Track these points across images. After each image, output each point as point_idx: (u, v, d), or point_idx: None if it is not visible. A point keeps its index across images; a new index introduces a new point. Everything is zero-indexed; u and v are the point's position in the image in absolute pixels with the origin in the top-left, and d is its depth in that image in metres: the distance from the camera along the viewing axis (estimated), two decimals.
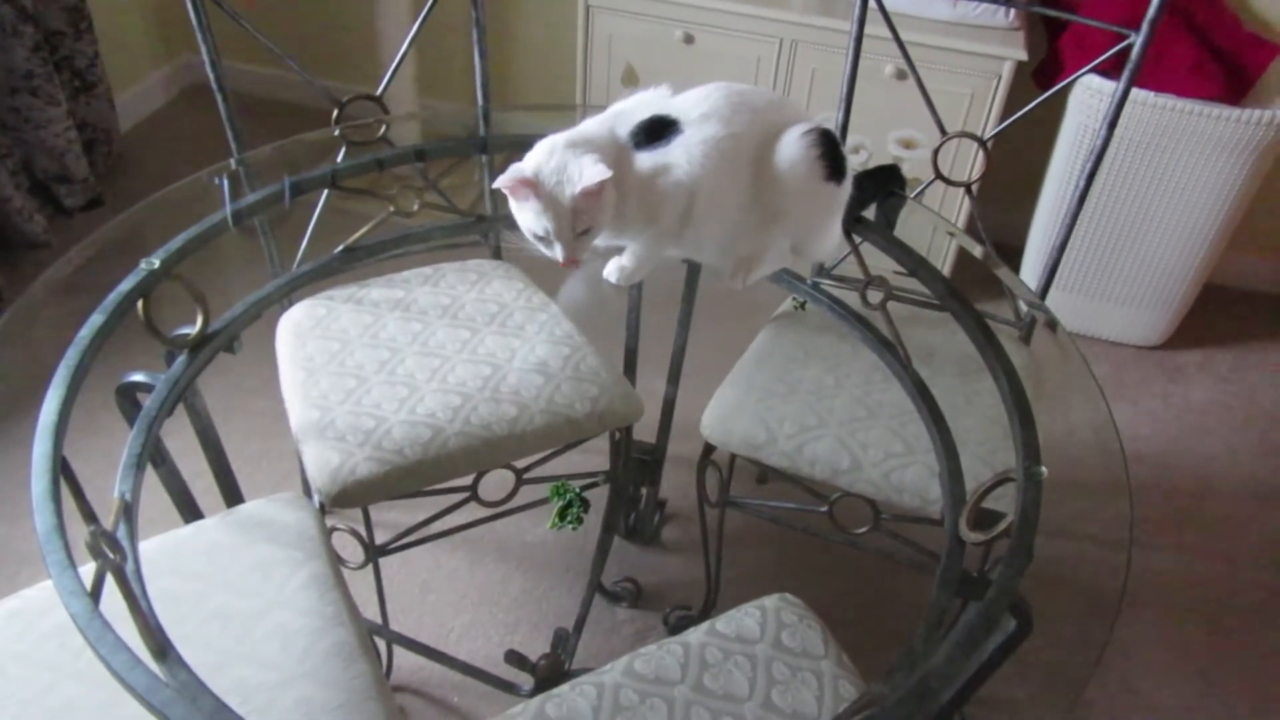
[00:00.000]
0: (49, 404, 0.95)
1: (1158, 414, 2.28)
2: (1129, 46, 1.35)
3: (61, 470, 0.91)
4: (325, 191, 1.43)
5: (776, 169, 1.10)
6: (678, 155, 1.05)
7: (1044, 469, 1.00)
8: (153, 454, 1.12)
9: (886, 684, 0.87)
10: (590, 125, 1.07)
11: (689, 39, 2.21)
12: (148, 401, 1.09)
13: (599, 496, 1.60)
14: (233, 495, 1.41)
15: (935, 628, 0.93)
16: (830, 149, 1.12)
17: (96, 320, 1.04)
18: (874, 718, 0.82)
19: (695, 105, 1.08)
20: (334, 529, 1.30)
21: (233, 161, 1.40)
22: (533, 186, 1.00)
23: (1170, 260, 2.26)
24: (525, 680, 1.54)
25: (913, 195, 1.42)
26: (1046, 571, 1.00)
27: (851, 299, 1.34)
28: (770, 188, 1.11)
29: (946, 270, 2.30)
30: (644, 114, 1.08)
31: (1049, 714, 1.08)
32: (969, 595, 0.97)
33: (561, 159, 1.00)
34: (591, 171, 0.98)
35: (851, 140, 2.21)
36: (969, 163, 2.15)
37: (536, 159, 1.02)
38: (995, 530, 0.96)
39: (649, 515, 1.87)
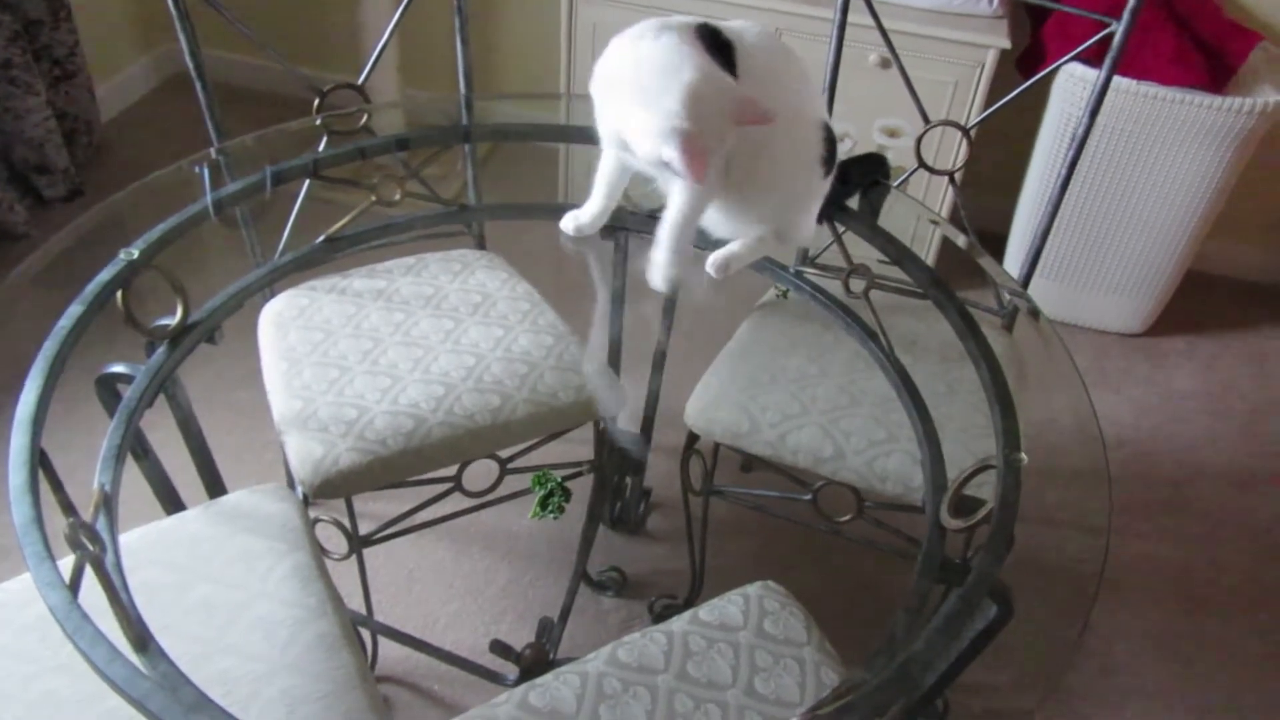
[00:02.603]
0: (27, 395, 0.95)
1: (1140, 401, 2.30)
2: (1111, 34, 1.35)
3: (40, 462, 0.90)
4: (307, 181, 1.42)
5: (781, 149, 1.10)
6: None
7: (1024, 456, 1.00)
8: (134, 446, 1.11)
9: (868, 670, 0.88)
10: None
11: None
12: (127, 392, 1.08)
13: (584, 486, 1.60)
14: (215, 487, 1.40)
15: (917, 614, 0.94)
16: (830, 138, 1.13)
17: (75, 311, 1.03)
18: (855, 704, 0.83)
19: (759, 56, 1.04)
20: (317, 520, 1.29)
21: (213, 151, 1.39)
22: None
23: (1153, 248, 2.28)
24: (510, 670, 1.55)
25: (896, 184, 1.42)
26: (1027, 558, 1.01)
27: (834, 288, 1.35)
28: (770, 166, 1.10)
29: (930, 259, 2.31)
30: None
31: (1030, 698, 1.09)
32: (950, 582, 0.97)
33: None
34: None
35: (836, 129, 2.20)
36: (953, 151, 2.15)
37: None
38: (976, 517, 0.96)
39: (634, 504, 1.87)
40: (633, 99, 0.97)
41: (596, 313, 1.56)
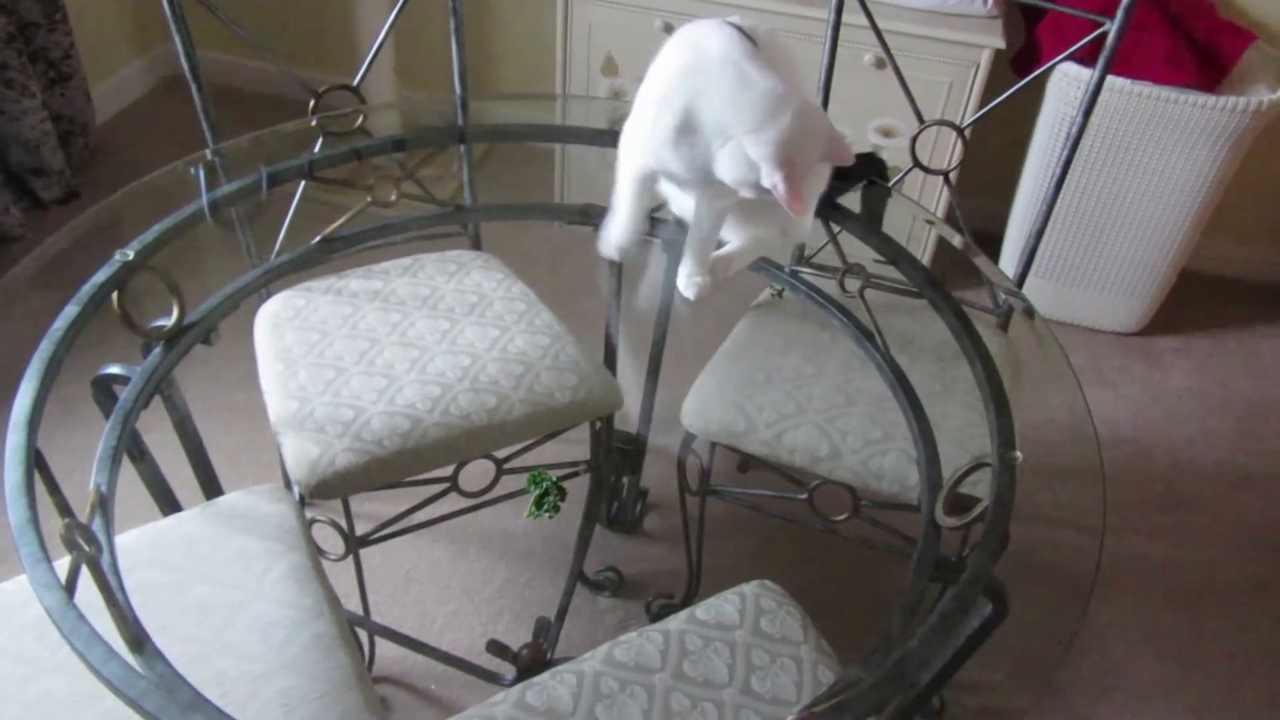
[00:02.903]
0: (22, 396, 0.95)
1: (1135, 400, 2.30)
2: (1105, 34, 1.36)
3: (36, 463, 0.90)
4: (302, 182, 1.42)
5: None
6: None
7: (1019, 454, 1.00)
8: (130, 447, 1.11)
9: (864, 668, 0.88)
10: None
11: (669, 28, 2.21)
12: (123, 394, 1.08)
13: (581, 486, 1.60)
14: (212, 488, 1.40)
15: (912, 612, 0.94)
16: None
17: (70, 312, 1.03)
18: (852, 702, 0.83)
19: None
20: (314, 520, 1.30)
21: (208, 152, 1.39)
22: None
23: (1147, 247, 2.28)
24: (507, 669, 1.55)
25: (891, 184, 1.42)
26: (1023, 556, 1.01)
27: (830, 287, 1.35)
28: None
29: (926, 259, 2.31)
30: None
31: (1026, 695, 1.09)
32: (946, 580, 0.98)
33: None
34: None
35: None
36: (948, 151, 2.15)
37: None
38: (971, 515, 0.96)
39: (631, 504, 1.87)
40: (737, 123, 0.97)
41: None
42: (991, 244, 2.50)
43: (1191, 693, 1.73)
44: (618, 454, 1.74)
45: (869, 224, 1.30)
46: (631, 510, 1.88)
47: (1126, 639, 1.80)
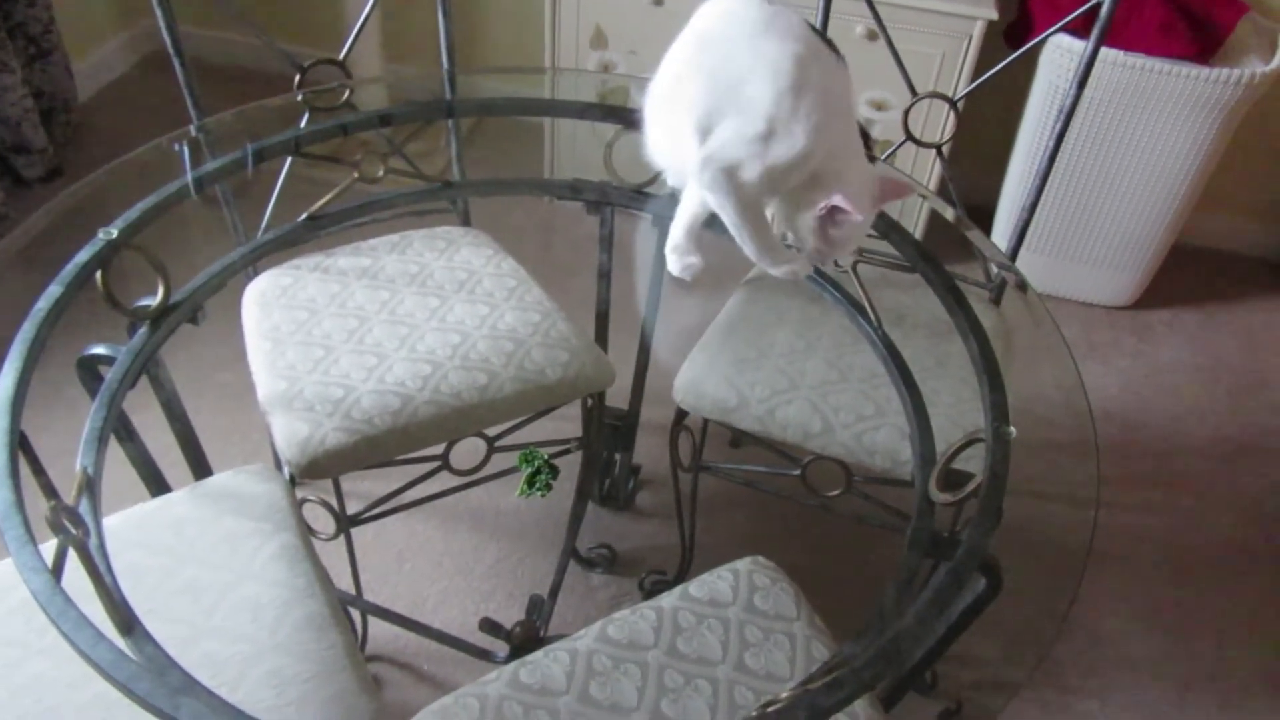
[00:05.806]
0: (5, 378, 0.94)
1: (1127, 373, 2.30)
2: (1098, 5, 1.35)
3: (20, 445, 0.89)
4: (288, 158, 1.40)
5: None
6: None
7: (1012, 429, 1.00)
8: (117, 428, 1.10)
9: (858, 644, 0.88)
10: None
11: (658, 1, 2.19)
12: (109, 374, 1.07)
13: (572, 463, 1.59)
14: (200, 468, 1.39)
15: (906, 588, 0.94)
16: None
17: (54, 292, 1.02)
18: (845, 678, 0.83)
19: None
20: (304, 500, 1.29)
21: (193, 128, 1.37)
22: None
23: (1140, 220, 2.27)
24: (501, 647, 1.55)
25: (883, 157, 1.41)
26: (1016, 531, 1.01)
27: None
28: None
29: (918, 233, 2.30)
30: None
31: (1019, 669, 1.09)
32: (939, 555, 0.98)
33: None
34: None
35: None
36: (940, 124, 2.14)
37: None
38: (964, 491, 0.96)
39: (623, 481, 1.87)
40: None
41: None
42: (984, 217, 2.49)
43: (1181, 664, 1.74)
44: (609, 431, 1.73)
45: None
46: (624, 487, 1.88)
47: (1117, 611, 1.81)
